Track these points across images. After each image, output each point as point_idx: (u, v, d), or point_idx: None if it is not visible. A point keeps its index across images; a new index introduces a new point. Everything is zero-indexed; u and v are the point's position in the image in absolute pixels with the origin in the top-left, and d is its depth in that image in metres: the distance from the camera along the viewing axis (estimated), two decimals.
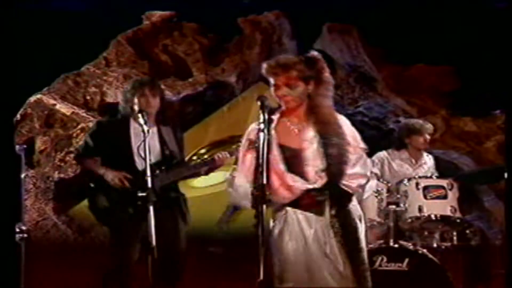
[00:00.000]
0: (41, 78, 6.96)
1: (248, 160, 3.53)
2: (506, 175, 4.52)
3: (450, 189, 5.07)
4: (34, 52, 6.60)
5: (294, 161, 3.50)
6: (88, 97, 7.16)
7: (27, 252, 4.49)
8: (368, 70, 7.34)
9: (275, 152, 3.47)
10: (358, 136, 3.63)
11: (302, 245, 3.46)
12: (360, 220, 3.56)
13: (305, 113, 3.57)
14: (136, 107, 4.68)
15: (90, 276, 5.28)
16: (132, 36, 7.28)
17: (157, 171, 4.62)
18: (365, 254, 3.57)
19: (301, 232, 3.48)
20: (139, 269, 4.58)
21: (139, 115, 4.29)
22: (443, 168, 6.01)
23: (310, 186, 3.47)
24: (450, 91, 7.31)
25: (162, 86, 7.11)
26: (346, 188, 3.50)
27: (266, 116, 3.34)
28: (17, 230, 4.40)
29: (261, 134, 3.30)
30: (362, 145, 3.64)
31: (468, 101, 7.16)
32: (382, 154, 5.79)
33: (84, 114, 7.03)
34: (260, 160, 3.25)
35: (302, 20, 7.24)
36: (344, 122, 3.61)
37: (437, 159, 5.98)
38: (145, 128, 4.22)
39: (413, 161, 5.75)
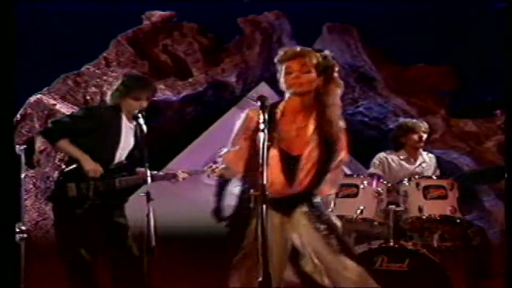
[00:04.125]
0: (41, 78, 6.96)
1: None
2: (506, 175, 4.51)
3: (450, 189, 5.07)
4: (34, 52, 6.59)
5: (290, 164, 3.54)
6: (88, 97, 7.15)
7: (27, 252, 4.50)
8: (368, 70, 7.34)
9: (276, 156, 3.52)
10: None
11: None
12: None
13: (310, 110, 3.59)
14: (124, 105, 4.66)
15: None
16: (132, 36, 7.27)
17: (123, 173, 4.63)
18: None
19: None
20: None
21: (139, 115, 4.29)
22: (443, 168, 6.01)
23: (293, 192, 3.54)
24: (450, 91, 7.30)
25: (162, 86, 7.19)
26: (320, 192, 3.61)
27: (266, 116, 3.34)
28: (17, 230, 4.41)
29: (261, 134, 3.30)
30: (345, 159, 3.69)
31: (468, 101, 7.16)
32: (382, 155, 5.80)
33: None
34: (260, 160, 3.25)
35: (302, 20, 7.24)
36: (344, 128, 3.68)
37: (437, 159, 5.98)
38: (145, 128, 4.23)
39: (412, 160, 5.75)
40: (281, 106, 3.62)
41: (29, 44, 6.40)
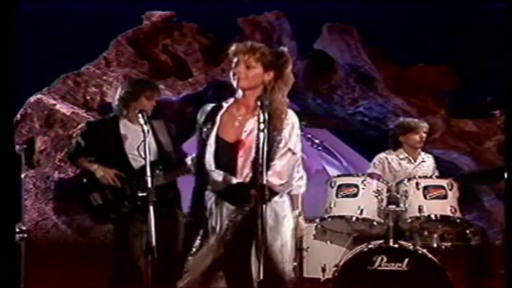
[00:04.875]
0: (41, 78, 6.96)
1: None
2: (506, 175, 4.51)
3: (450, 189, 5.06)
4: (34, 52, 6.60)
5: (226, 154, 3.57)
6: (88, 97, 7.16)
7: (27, 252, 4.50)
8: (368, 70, 7.34)
9: (211, 142, 3.60)
10: (295, 139, 3.62)
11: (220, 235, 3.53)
12: (281, 218, 3.57)
13: (255, 103, 3.56)
14: (136, 107, 4.69)
15: (90, 276, 5.29)
16: (132, 36, 7.28)
17: (156, 171, 4.63)
18: (275, 251, 3.52)
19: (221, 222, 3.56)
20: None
21: (140, 115, 4.28)
22: (443, 168, 6.01)
23: (236, 181, 3.53)
24: (450, 91, 7.31)
25: (162, 86, 7.19)
26: (269, 185, 3.47)
27: (266, 116, 3.36)
28: (17, 230, 4.41)
29: (261, 134, 3.31)
30: (294, 149, 3.61)
31: (468, 101, 7.16)
32: (382, 155, 5.79)
33: (84, 114, 7.03)
34: (260, 160, 3.26)
35: (302, 20, 7.24)
36: (292, 121, 3.62)
37: (437, 159, 5.97)
38: (145, 128, 4.22)
39: (412, 159, 5.74)
40: (230, 100, 3.68)
41: (29, 44, 6.41)
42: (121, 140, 4.75)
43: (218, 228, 3.55)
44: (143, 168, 4.59)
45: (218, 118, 3.66)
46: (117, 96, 4.95)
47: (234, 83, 3.61)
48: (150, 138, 4.73)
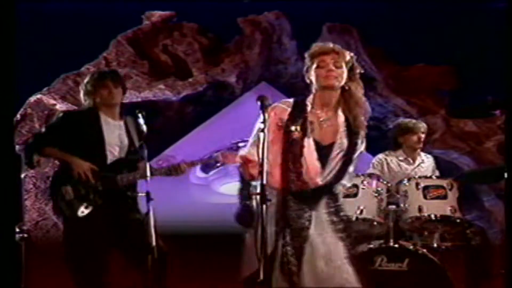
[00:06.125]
0: (41, 78, 6.96)
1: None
2: (506, 175, 4.51)
3: (450, 189, 5.06)
4: (34, 52, 6.60)
5: (322, 154, 3.64)
6: None
7: (27, 252, 4.49)
8: (368, 70, 7.34)
9: (311, 145, 3.61)
10: None
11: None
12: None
13: (337, 103, 3.68)
14: (98, 99, 4.65)
15: None
16: (132, 36, 7.28)
17: (124, 170, 4.58)
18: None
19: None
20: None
21: (139, 115, 4.29)
22: (443, 168, 6.01)
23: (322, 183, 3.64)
24: (450, 91, 7.31)
25: (162, 86, 7.19)
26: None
27: (266, 116, 3.36)
28: (17, 230, 4.41)
29: (261, 134, 3.31)
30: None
31: (468, 101, 7.16)
32: (381, 156, 5.79)
33: None
34: (261, 160, 3.26)
35: (302, 20, 7.25)
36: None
37: (437, 159, 5.97)
38: (145, 128, 4.23)
39: (411, 160, 5.74)
40: (310, 99, 3.68)
41: (29, 44, 6.41)
42: (102, 133, 4.66)
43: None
44: (115, 164, 4.61)
45: (309, 119, 3.66)
46: (81, 94, 4.86)
47: (323, 83, 3.61)
48: (122, 133, 4.72)
